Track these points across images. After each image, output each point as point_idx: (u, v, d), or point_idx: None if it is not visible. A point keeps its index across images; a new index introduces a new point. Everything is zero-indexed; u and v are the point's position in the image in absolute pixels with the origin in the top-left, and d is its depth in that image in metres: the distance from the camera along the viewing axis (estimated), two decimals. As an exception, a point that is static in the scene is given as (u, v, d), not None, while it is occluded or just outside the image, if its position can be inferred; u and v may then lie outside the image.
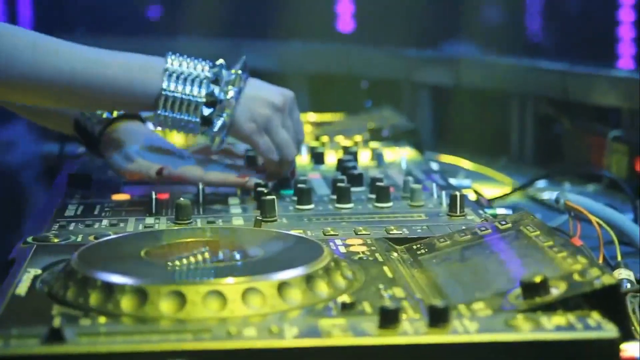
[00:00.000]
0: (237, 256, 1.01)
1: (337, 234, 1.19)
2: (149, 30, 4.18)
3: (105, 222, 1.26)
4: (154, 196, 1.31)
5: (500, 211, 1.35)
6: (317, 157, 1.63)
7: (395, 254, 1.11)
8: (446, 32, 3.12)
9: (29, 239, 1.14)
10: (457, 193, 1.30)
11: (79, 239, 1.16)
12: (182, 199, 1.27)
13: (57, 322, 0.81)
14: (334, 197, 1.38)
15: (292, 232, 1.17)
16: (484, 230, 1.12)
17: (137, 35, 3.04)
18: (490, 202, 1.57)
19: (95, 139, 1.47)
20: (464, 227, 1.14)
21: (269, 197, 1.28)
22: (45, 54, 1.28)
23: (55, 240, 1.15)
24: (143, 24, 4.57)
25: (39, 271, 1.01)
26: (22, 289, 0.95)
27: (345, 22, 3.49)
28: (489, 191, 1.72)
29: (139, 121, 1.49)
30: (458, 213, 1.29)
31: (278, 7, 3.13)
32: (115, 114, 1.47)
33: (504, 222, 1.12)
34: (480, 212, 1.30)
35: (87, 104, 1.36)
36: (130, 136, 1.45)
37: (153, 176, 1.40)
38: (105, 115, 1.47)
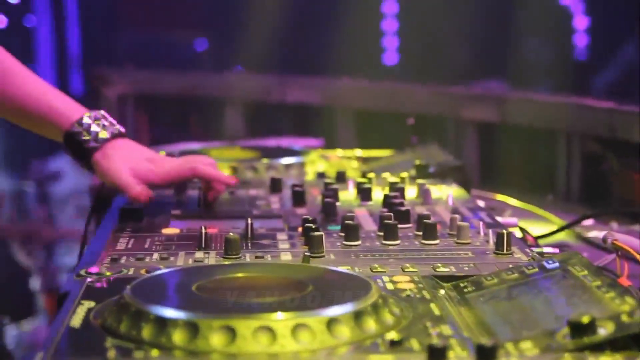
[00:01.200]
0: (287, 292, 1.02)
1: (384, 270, 1.20)
2: (195, 64, 4.23)
3: (155, 255, 1.27)
4: (203, 230, 1.32)
5: (547, 250, 1.35)
6: (364, 193, 1.64)
7: (442, 292, 1.12)
8: (492, 69, 3.13)
9: (82, 272, 1.17)
10: (504, 231, 1.30)
11: (131, 272, 1.18)
12: (231, 233, 1.29)
13: (111, 354, 0.82)
14: (381, 233, 1.39)
15: (340, 269, 1.18)
16: (531, 269, 1.12)
17: (184, 69, 3.09)
18: (537, 241, 1.57)
19: (88, 153, 1.53)
20: (511, 266, 1.15)
21: (316, 233, 1.29)
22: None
23: (108, 273, 1.17)
24: (190, 58, 4.62)
25: (93, 304, 1.03)
26: (76, 321, 0.97)
27: (391, 57, 3.52)
28: (535, 229, 1.72)
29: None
30: (505, 251, 1.29)
31: (324, 43, 3.16)
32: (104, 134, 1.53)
33: (551, 262, 1.12)
34: (527, 250, 1.30)
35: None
36: (127, 152, 1.54)
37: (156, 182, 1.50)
38: (104, 133, 1.52)
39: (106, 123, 1.55)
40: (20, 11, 5.01)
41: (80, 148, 1.54)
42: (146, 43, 4.91)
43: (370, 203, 1.63)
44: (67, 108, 1.55)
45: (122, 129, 1.57)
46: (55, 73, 5.15)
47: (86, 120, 1.54)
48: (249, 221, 1.39)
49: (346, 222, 1.38)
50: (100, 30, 5.01)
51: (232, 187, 1.64)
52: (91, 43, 5.09)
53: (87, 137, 1.53)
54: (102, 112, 1.58)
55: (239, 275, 1.10)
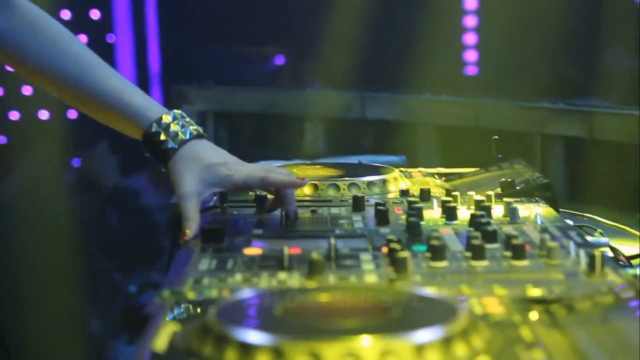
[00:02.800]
0: (373, 316, 1.00)
1: (472, 292, 1.17)
2: (275, 81, 4.23)
3: (238, 276, 1.26)
4: (286, 251, 1.30)
5: (641, 271, 1.30)
6: (449, 212, 1.61)
7: (533, 315, 1.08)
8: (578, 84, 3.08)
9: (165, 293, 1.15)
10: (597, 252, 1.26)
11: (214, 293, 1.17)
12: (314, 254, 1.26)
13: (195, 380, 0.81)
14: (468, 253, 1.35)
15: (427, 290, 1.15)
16: (626, 292, 1.08)
17: (264, 85, 3.09)
18: (630, 261, 1.52)
19: (166, 155, 1.53)
20: (604, 288, 1.11)
21: (402, 254, 1.26)
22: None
23: (191, 294, 1.16)
24: (269, 75, 4.63)
25: (176, 326, 1.01)
26: (159, 344, 0.96)
27: (473, 71, 3.48)
28: (627, 249, 1.67)
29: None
30: (598, 273, 1.25)
31: (404, 58, 3.14)
32: (183, 135, 1.53)
33: (648, 284, 1.08)
34: (621, 272, 1.26)
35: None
36: (202, 157, 1.54)
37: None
38: (182, 134, 1.51)
39: (185, 123, 1.55)
40: (102, 28, 5.08)
41: (158, 149, 1.54)
42: (225, 60, 4.94)
43: (456, 222, 1.59)
44: (146, 107, 1.55)
45: (201, 129, 1.57)
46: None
47: (165, 120, 1.54)
48: (332, 241, 1.36)
49: (432, 242, 1.35)
50: (180, 47, 5.05)
51: (301, 186, 1.63)
52: (171, 60, 5.14)
53: (165, 138, 1.53)
54: (181, 111, 1.58)
55: (323, 297, 1.08)
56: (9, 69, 1.65)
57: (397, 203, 1.71)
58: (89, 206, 3.76)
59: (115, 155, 3.82)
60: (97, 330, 3.42)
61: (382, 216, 1.56)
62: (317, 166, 1.92)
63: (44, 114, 4.60)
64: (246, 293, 1.12)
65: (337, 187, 1.77)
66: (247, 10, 4.93)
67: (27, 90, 4.66)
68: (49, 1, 4.90)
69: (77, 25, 5.01)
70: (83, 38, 4.99)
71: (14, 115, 4.57)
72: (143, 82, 5.19)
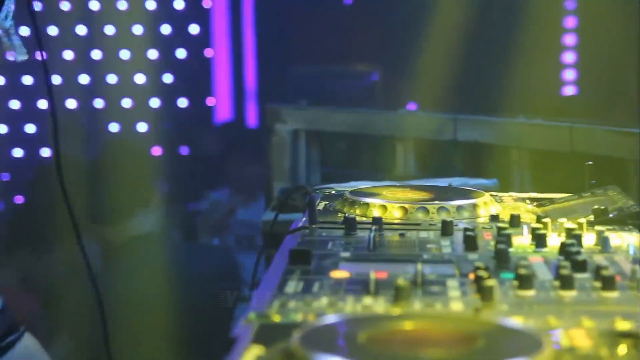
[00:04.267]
0: (457, 346, 0.99)
1: (559, 324, 1.15)
2: (368, 101, 4.24)
3: (324, 300, 1.26)
4: (372, 276, 1.30)
5: None
6: (539, 239, 1.59)
7: (621, 349, 1.06)
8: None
9: (251, 316, 1.16)
10: (690, 286, 1.23)
11: (299, 317, 1.17)
12: (401, 280, 1.26)
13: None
14: (557, 283, 1.34)
15: (512, 321, 1.14)
16: None
17: (356, 105, 3.10)
18: None
19: None
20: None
21: (488, 282, 1.25)
22: None
23: (276, 318, 1.17)
24: (362, 95, 4.65)
25: (261, 350, 1.02)
26: (243, 368, 0.97)
27: (569, 93, 3.43)
28: None
29: None
30: (690, 308, 1.22)
31: (499, 80, 3.11)
32: None
33: None
34: None
35: None
36: None
37: None
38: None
39: None
40: (200, 43, 5.15)
41: None
42: (319, 79, 4.97)
43: (545, 250, 1.57)
44: None
45: None
46: (233, 105, 5.27)
47: None
48: (419, 267, 1.36)
49: (520, 270, 1.34)
50: (275, 64, 5.10)
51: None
52: (267, 77, 5.19)
53: None
54: None
55: (408, 325, 1.08)
56: None
57: (486, 228, 1.70)
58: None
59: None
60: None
61: (470, 242, 1.55)
62: (407, 188, 1.92)
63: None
64: (330, 318, 1.13)
65: (426, 211, 1.77)
66: (342, 29, 4.96)
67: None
68: (150, 16, 5.01)
69: (177, 39, 5.11)
70: (182, 52, 5.08)
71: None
72: (239, 98, 5.25)
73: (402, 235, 1.64)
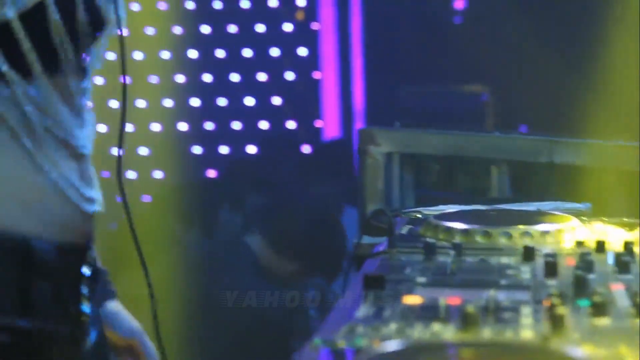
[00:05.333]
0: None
1: (630, 354, 1.13)
2: (463, 122, 4.22)
3: (393, 326, 1.26)
4: (442, 302, 1.30)
5: None
6: (623, 266, 1.56)
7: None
8: None
9: (317, 342, 1.17)
10: None
11: (364, 342, 1.18)
12: (469, 306, 1.26)
13: None
14: (634, 311, 1.31)
15: (581, 350, 1.12)
16: None
17: (451, 127, 3.08)
18: None
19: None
20: None
21: (559, 310, 1.24)
22: None
23: (341, 343, 1.18)
24: (458, 117, 4.62)
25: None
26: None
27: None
28: None
29: None
30: None
31: (597, 102, 3.06)
32: None
33: None
34: None
35: None
36: None
37: None
38: None
39: None
40: (309, 65, 5.21)
41: None
42: (427, 99, 4.97)
43: (629, 277, 1.54)
44: None
45: None
46: (341, 127, 5.31)
47: None
48: (492, 293, 1.35)
49: (595, 297, 1.31)
50: (383, 85, 5.12)
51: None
52: (375, 98, 5.21)
53: None
54: None
55: (469, 353, 1.07)
56: None
57: (570, 254, 1.67)
58: None
59: None
60: None
61: (550, 268, 1.53)
62: (493, 212, 1.91)
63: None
64: (393, 345, 1.13)
65: (510, 236, 1.75)
66: (451, 49, 4.95)
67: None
68: (262, 39, 5.06)
69: (286, 62, 5.17)
70: (291, 75, 5.14)
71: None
72: (347, 120, 5.28)
73: (482, 260, 1.63)
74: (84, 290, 1.47)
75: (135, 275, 1.63)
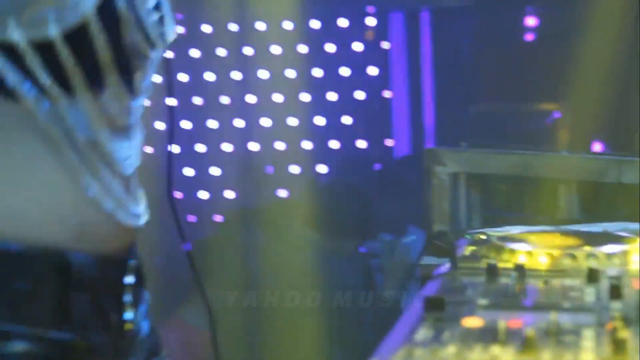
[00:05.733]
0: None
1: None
2: (531, 142, 4.18)
3: (451, 348, 1.26)
4: (502, 325, 1.29)
5: None
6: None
7: None
8: None
9: (372, 363, 1.17)
10: None
11: (421, 365, 1.18)
12: (529, 329, 1.25)
13: None
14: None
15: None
16: None
17: (518, 147, 3.05)
18: None
19: None
20: None
21: (621, 333, 1.22)
22: None
23: (398, 366, 1.17)
24: (525, 136, 4.59)
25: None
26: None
27: None
28: None
29: None
30: None
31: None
32: None
33: None
34: None
35: None
36: None
37: None
38: None
39: None
40: (379, 84, 5.21)
41: None
42: (498, 118, 4.94)
43: None
44: None
45: None
46: (411, 147, 5.29)
47: None
48: (553, 315, 1.34)
49: (664, 322, 1.29)
50: (454, 104, 5.10)
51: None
52: (445, 117, 5.18)
53: None
54: None
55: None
56: None
57: (635, 276, 1.64)
58: None
59: None
60: None
61: (615, 290, 1.50)
62: (558, 234, 1.89)
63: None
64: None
65: (574, 258, 1.73)
66: (523, 67, 4.91)
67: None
68: (329, 59, 5.07)
69: (356, 81, 5.18)
70: (361, 94, 5.14)
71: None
72: (418, 140, 5.27)
73: (545, 282, 1.61)
74: (127, 298, 1.48)
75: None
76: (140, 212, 1.51)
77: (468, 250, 1.85)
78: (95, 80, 1.38)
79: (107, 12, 1.37)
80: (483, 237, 1.94)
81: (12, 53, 1.32)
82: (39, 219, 1.37)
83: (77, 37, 1.34)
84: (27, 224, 1.37)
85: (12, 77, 1.33)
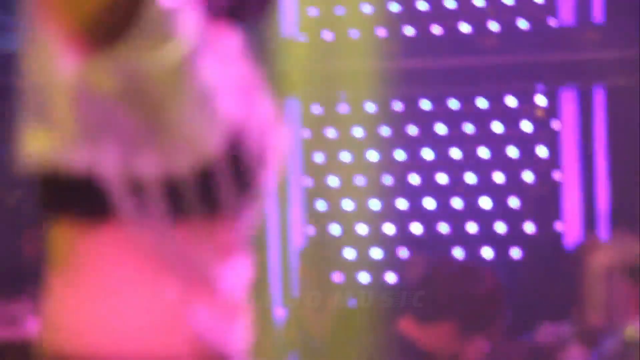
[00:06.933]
0: None
1: None
2: None
3: None
4: None
5: None
6: None
7: None
8: None
9: None
10: None
11: None
12: None
13: None
14: None
15: None
16: None
17: None
18: None
19: None
20: None
21: None
22: None
23: None
24: None
25: None
26: None
27: None
28: None
29: None
30: None
31: None
32: None
33: None
34: None
35: None
36: None
37: None
38: None
39: None
40: (549, 165, 4.98)
41: None
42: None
43: None
44: None
45: None
46: (583, 231, 4.99)
47: None
48: None
49: None
50: (630, 186, 4.80)
51: None
52: (620, 200, 4.89)
53: None
54: None
55: None
56: None
57: None
58: None
59: None
60: None
61: None
62: None
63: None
64: None
65: None
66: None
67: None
68: (497, 139, 4.91)
69: (524, 162, 4.96)
70: (529, 175, 4.92)
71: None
72: (589, 223, 4.96)
73: None
74: None
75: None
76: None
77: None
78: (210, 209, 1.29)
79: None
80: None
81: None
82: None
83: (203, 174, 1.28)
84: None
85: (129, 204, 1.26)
